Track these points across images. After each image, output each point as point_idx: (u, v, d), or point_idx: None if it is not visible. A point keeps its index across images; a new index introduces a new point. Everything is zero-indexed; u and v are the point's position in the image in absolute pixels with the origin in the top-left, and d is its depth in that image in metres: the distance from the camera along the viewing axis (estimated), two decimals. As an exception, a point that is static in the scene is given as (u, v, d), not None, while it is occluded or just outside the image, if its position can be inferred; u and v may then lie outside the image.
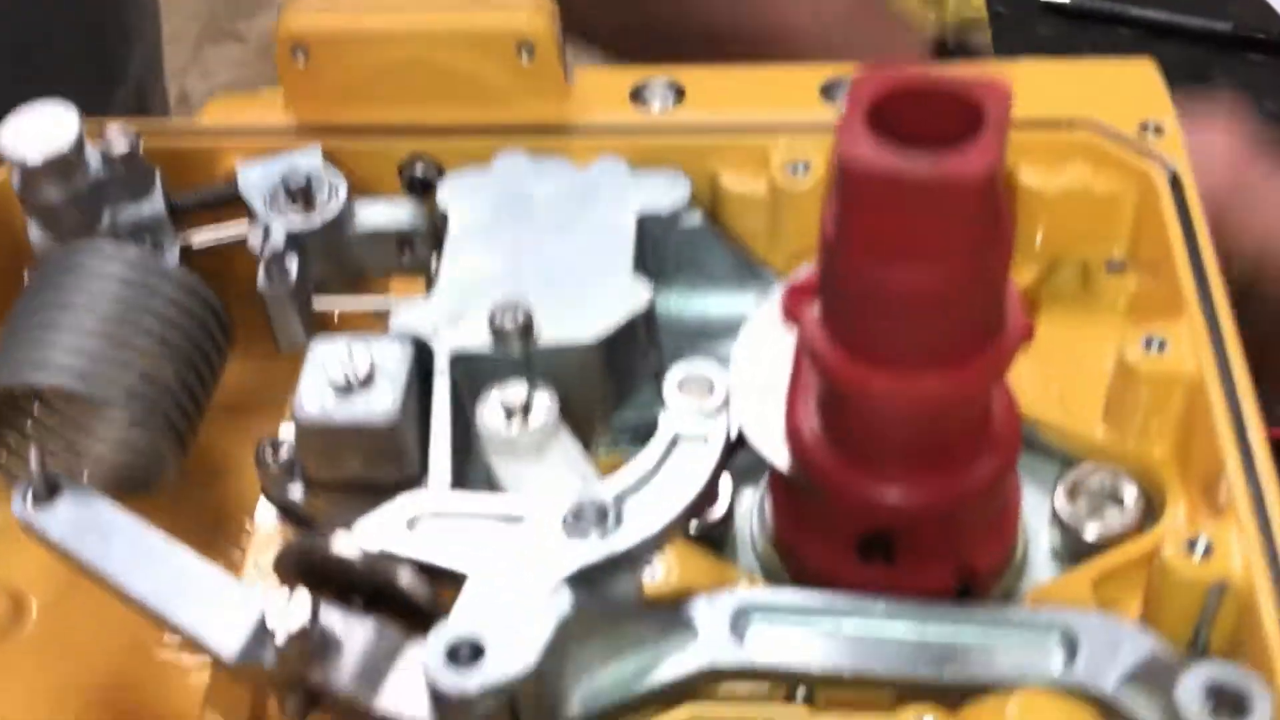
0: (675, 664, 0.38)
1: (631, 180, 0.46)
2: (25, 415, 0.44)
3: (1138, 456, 0.44)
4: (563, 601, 0.36)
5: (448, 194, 0.47)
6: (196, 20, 1.95)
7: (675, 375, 0.40)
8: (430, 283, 0.47)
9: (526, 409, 0.41)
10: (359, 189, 0.49)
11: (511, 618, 0.36)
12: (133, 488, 0.42)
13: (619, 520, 0.38)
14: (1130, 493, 0.43)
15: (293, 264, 0.46)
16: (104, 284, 0.43)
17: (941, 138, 0.33)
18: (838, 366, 0.36)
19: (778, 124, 0.49)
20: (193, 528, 0.41)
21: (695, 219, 0.46)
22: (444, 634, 0.35)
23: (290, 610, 0.36)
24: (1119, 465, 0.44)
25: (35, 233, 0.47)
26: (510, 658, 0.35)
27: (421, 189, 0.50)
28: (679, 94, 0.50)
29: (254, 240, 0.46)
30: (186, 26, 1.92)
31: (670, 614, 0.38)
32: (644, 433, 0.42)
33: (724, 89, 0.51)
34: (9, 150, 0.45)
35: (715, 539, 0.44)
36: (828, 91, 0.50)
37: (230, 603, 0.38)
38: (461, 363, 0.42)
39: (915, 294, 0.34)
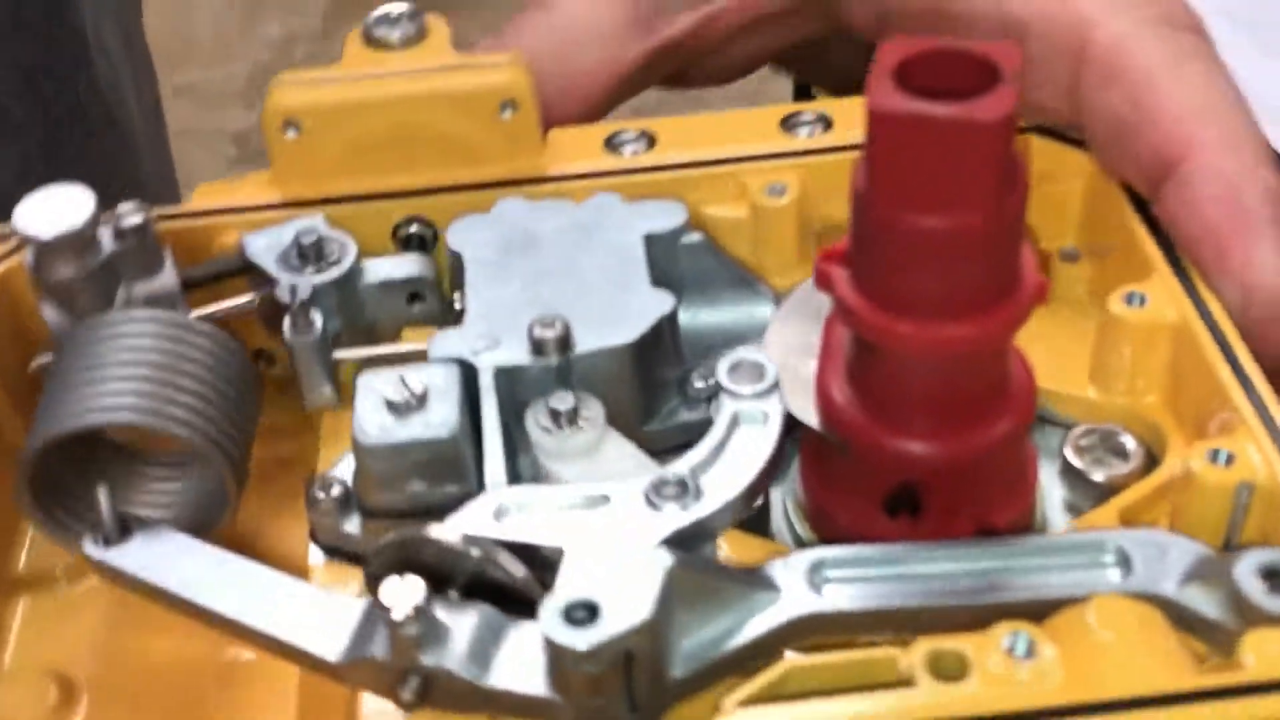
0: (763, 620, 0.39)
1: (629, 208, 0.49)
2: (82, 468, 0.44)
3: (1132, 410, 0.47)
4: (664, 560, 0.38)
5: (457, 237, 0.49)
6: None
7: (726, 362, 0.43)
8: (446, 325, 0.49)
9: (574, 413, 0.43)
10: (360, 252, 0.50)
11: (618, 579, 0.37)
12: (194, 531, 0.43)
13: (698, 493, 0.40)
14: (1130, 443, 0.47)
15: (317, 316, 0.47)
16: (142, 340, 0.44)
17: (960, 94, 0.37)
18: (865, 316, 0.39)
19: (747, 155, 0.53)
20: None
21: (696, 237, 0.49)
22: (557, 599, 0.36)
23: (405, 592, 0.36)
24: (1116, 422, 0.47)
25: (50, 313, 0.48)
26: (625, 613, 0.36)
27: (419, 248, 0.52)
28: (650, 141, 0.54)
29: (282, 294, 0.47)
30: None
31: (752, 574, 0.40)
32: (667, 441, 0.45)
33: (692, 132, 0.54)
34: (24, 228, 0.46)
35: (754, 527, 0.46)
36: (786, 123, 0.54)
37: (324, 608, 0.39)
38: (504, 377, 0.44)
39: (937, 240, 0.38)
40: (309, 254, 0.49)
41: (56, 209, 0.46)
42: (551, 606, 0.36)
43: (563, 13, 0.59)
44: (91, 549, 0.41)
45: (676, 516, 0.39)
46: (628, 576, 0.37)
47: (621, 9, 0.59)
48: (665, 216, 0.49)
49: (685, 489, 0.40)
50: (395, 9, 0.54)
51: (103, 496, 0.41)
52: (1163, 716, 0.35)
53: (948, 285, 0.39)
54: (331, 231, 0.50)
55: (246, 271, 0.50)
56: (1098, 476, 0.46)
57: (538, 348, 0.44)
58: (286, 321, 0.47)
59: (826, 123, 0.54)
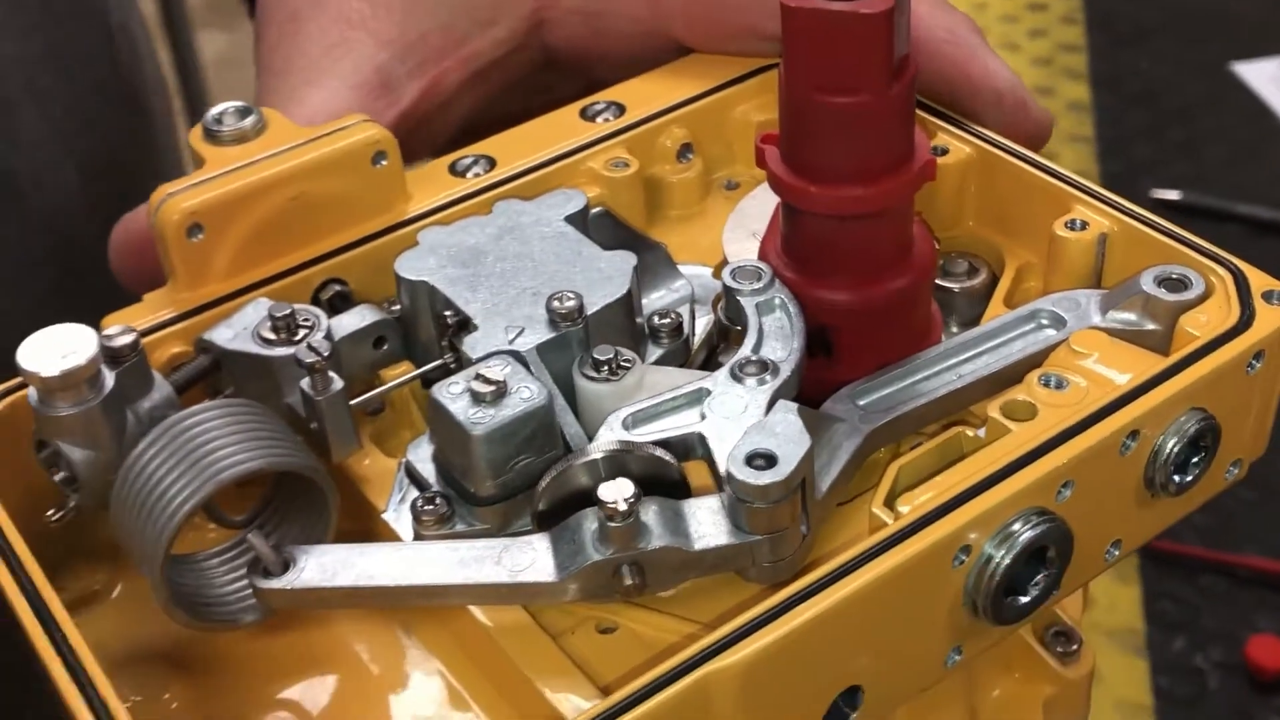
0: (849, 441, 0.48)
1: (535, 204, 0.56)
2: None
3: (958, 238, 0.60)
4: (790, 407, 0.46)
5: (410, 270, 0.53)
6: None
7: (728, 269, 0.51)
8: (414, 359, 0.54)
9: (615, 358, 0.50)
10: (301, 320, 0.54)
11: (768, 431, 0.45)
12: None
13: (770, 365, 0.48)
14: (968, 262, 0.60)
15: (334, 374, 0.50)
16: (207, 423, 0.46)
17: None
18: (787, 182, 0.50)
19: (577, 147, 0.61)
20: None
21: (599, 210, 0.57)
22: (735, 457, 0.44)
23: (619, 489, 0.43)
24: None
25: (76, 452, 0.48)
26: (792, 449, 0.44)
27: (345, 304, 0.56)
28: (489, 161, 0.61)
29: (304, 356, 0.50)
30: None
31: (821, 413, 0.49)
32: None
33: (518, 143, 0.61)
34: (30, 367, 0.47)
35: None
36: (585, 114, 0.63)
37: (509, 550, 0.45)
38: (543, 352, 0.50)
39: (839, 115, 0.48)
40: (282, 326, 0.52)
41: (60, 348, 0.47)
42: (736, 463, 0.44)
43: (310, 107, 0.64)
44: (267, 583, 0.45)
45: (767, 384, 0.48)
46: (773, 426, 0.45)
47: (357, 97, 0.64)
48: (570, 201, 0.56)
49: (763, 365, 0.48)
50: (227, 106, 0.57)
51: (256, 539, 0.45)
52: (1174, 380, 0.48)
53: (850, 155, 0.50)
54: (293, 304, 0.53)
55: (218, 366, 0.52)
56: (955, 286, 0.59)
57: (563, 319, 0.50)
58: (305, 383, 0.50)
59: (619, 107, 0.63)
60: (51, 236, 0.81)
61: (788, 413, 0.46)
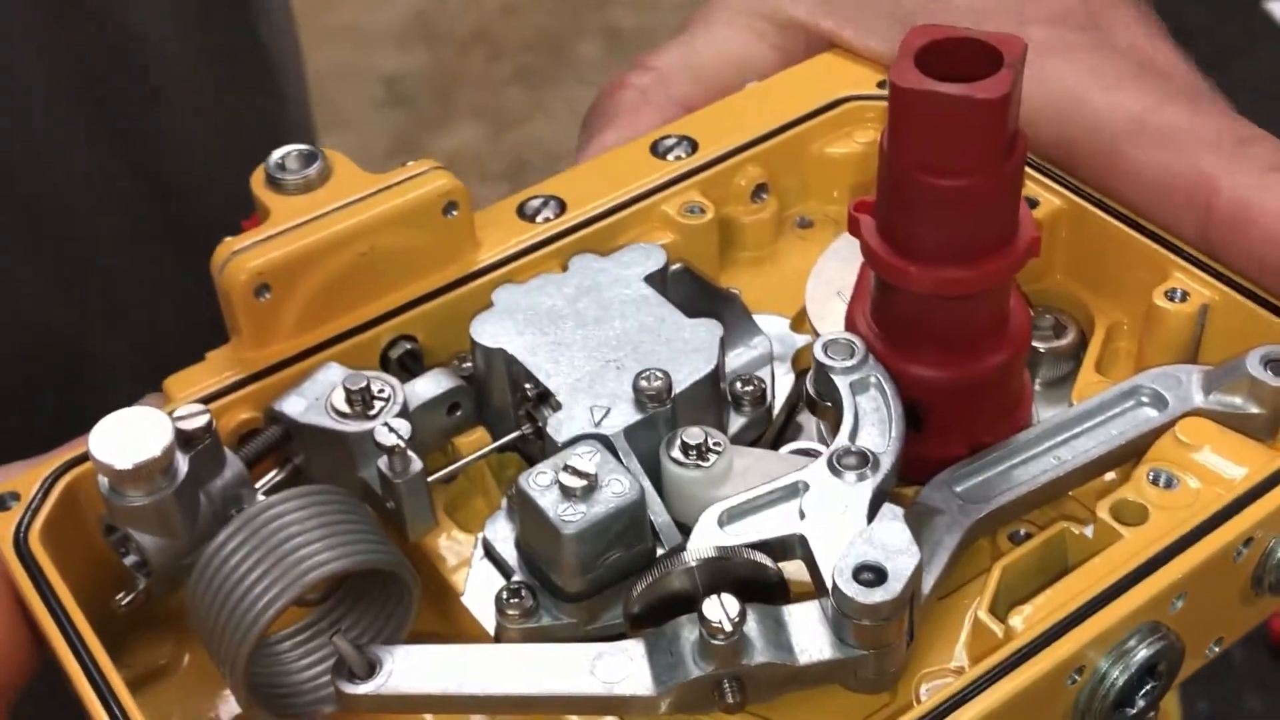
0: (950, 535, 0.47)
1: (611, 261, 0.54)
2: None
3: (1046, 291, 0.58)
4: (897, 511, 0.44)
5: (487, 336, 0.51)
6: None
7: (820, 343, 0.49)
8: (487, 422, 0.52)
9: (705, 443, 0.48)
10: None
11: (875, 539, 0.43)
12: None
13: (870, 458, 0.46)
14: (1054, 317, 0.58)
15: (413, 454, 0.48)
16: (290, 516, 0.45)
17: (970, 76, 0.45)
18: (884, 259, 0.48)
19: (650, 189, 0.58)
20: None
21: (678, 267, 0.55)
22: (842, 569, 0.42)
23: (726, 605, 0.42)
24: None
25: (147, 539, 0.46)
26: (902, 563, 0.42)
27: (414, 362, 0.54)
28: (560, 204, 0.58)
29: (384, 438, 0.48)
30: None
31: (919, 505, 0.47)
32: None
33: (587, 183, 0.59)
34: (104, 458, 0.45)
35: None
36: (655, 150, 0.60)
37: (606, 658, 0.44)
38: (630, 434, 0.48)
39: (945, 197, 0.46)
40: (357, 399, 0.50)
41: (132, 434, 0.45)
42: (843, 577, 0.42)
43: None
44: (352, 687, 0.43)
45: (867, 480, 0.46)
46: (881, 537, 0.43)
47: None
48: (649, 258, 0.54)
49: (863, 457, 0.46)
50: (291, 152, 0.55)
51: (340, 641, 0.43)
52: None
53: (955, 235, 0.47)
54: (366, 372, 0.51)
55: (289, 437, 0.50)
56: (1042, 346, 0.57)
57: (651, 400, 0.48)
58: (383, 463, 0.48)
59: (691, 142, 0.60)
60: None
61: (895, 519, 0.44)
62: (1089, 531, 0.47)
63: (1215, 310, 0.53)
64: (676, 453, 0.48)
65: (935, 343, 0.50)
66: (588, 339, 0.51)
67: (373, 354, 0.54)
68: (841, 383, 0.49)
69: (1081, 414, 0.51)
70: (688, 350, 0.50)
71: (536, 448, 0.51)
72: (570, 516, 0.45)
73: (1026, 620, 0.43)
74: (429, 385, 0.52)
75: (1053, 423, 0.50)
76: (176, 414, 0.47)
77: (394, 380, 0.51)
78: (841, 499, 0.46)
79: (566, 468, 0.46)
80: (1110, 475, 0.50)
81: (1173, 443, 0.48)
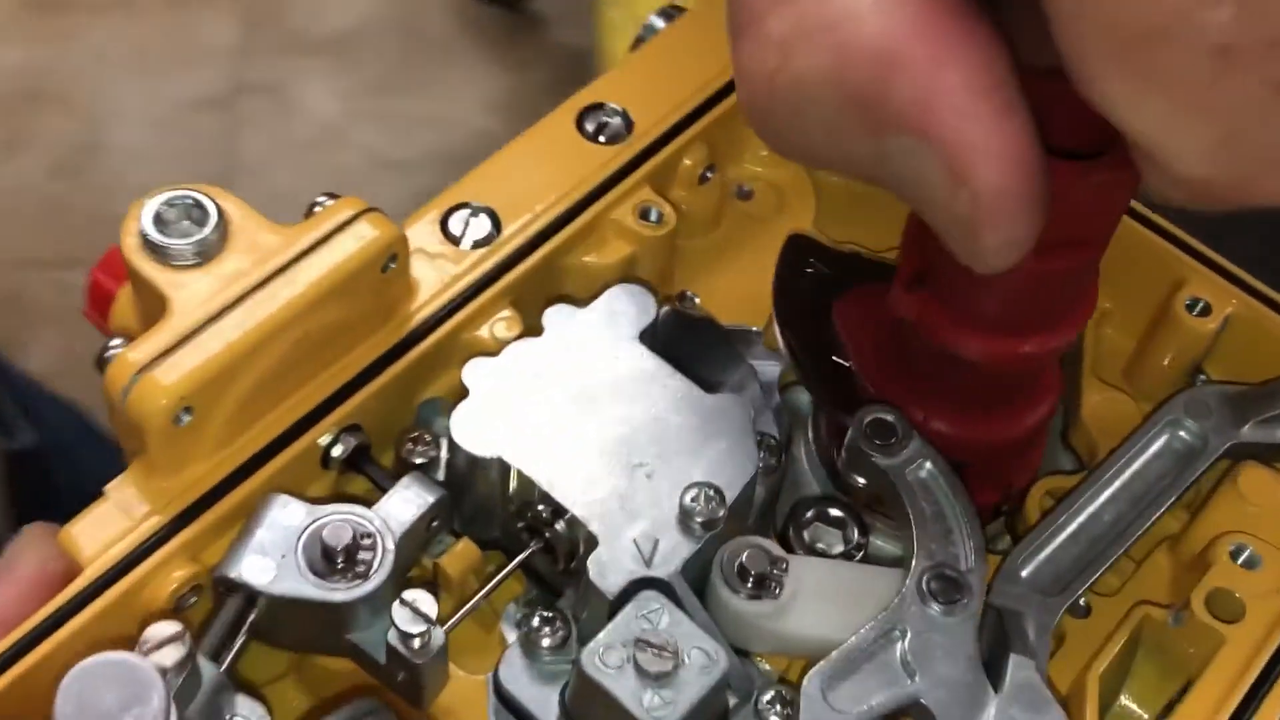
0: (1043, 645, 0.43)
1: (597, 316, 0.45)
2: None
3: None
4: (1030, 668, 0.40)
5: (475, 440, 0.42)
6: None
7: (858, 429, 0.43)
8: (476, 537, 0.44)
9: (768, 573, 0.41)
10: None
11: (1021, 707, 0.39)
12: None
13: (967, 585, 0.41)
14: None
15: (436, 629, 0.39)
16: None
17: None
18: (948, 332, 0.41)
19: (592, 192, 0.49)
20: None
21: (665, 311, 0.46)
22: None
23: None
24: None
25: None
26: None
27: (362, 458, 0.44)
28: (491, 217, 0.48)
29: (406, 625, 0.38)
30: None
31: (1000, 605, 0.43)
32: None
33: (507, 176, 0.48)
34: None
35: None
36: (583, 126, 0.50)
37: None
38: (685, 573, 0.41)
39: (1055, 272, 0.40)
40: (338, 556, 0.40)
41: (115, 693, 0.34)
42: None
43: None
44: None
45: (967, 610, 0.41)
46: (1023, 700, 0.39)
47: None
48: (638, 308, 0.45)
49: (952, 584, 0.41)
50: (171, 202, 0.42)
51: None
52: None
53: (1044, 306, 0.41)
54: (339, 514, 0.40)
55: (251, 603, 0.40)
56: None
57: (703, 525, 0.41)
58: (396, 639, 0.39)
59: (624, 118, 0.50)
60: None
61: (1029, 674, 0.39)
62: (1177, 621, 0.44)
63: (1233, 323, 0.49)
64: (737, 583, 0.41)
65: (980, 403, 0.44)
66: (599, 435, 0.42)
67: (313, 460, 0.43)
68: (893, 472, 0.43)
69: (1123, 464, 0.47)
70: (721, 442, 0.43)
71: (544, 563, 0.43)
72: (660, 712, 0.38)
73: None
74: (406, 505, 0.42)
75: (1103, 481, 0.46)
76: (147, 642, 0.36)
77: (370, 516, 0.41)
78: (943, 639, 0.40)
79: (641, 643, 0.38)
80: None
81: (1237, 501, 0.45)
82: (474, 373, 0.43)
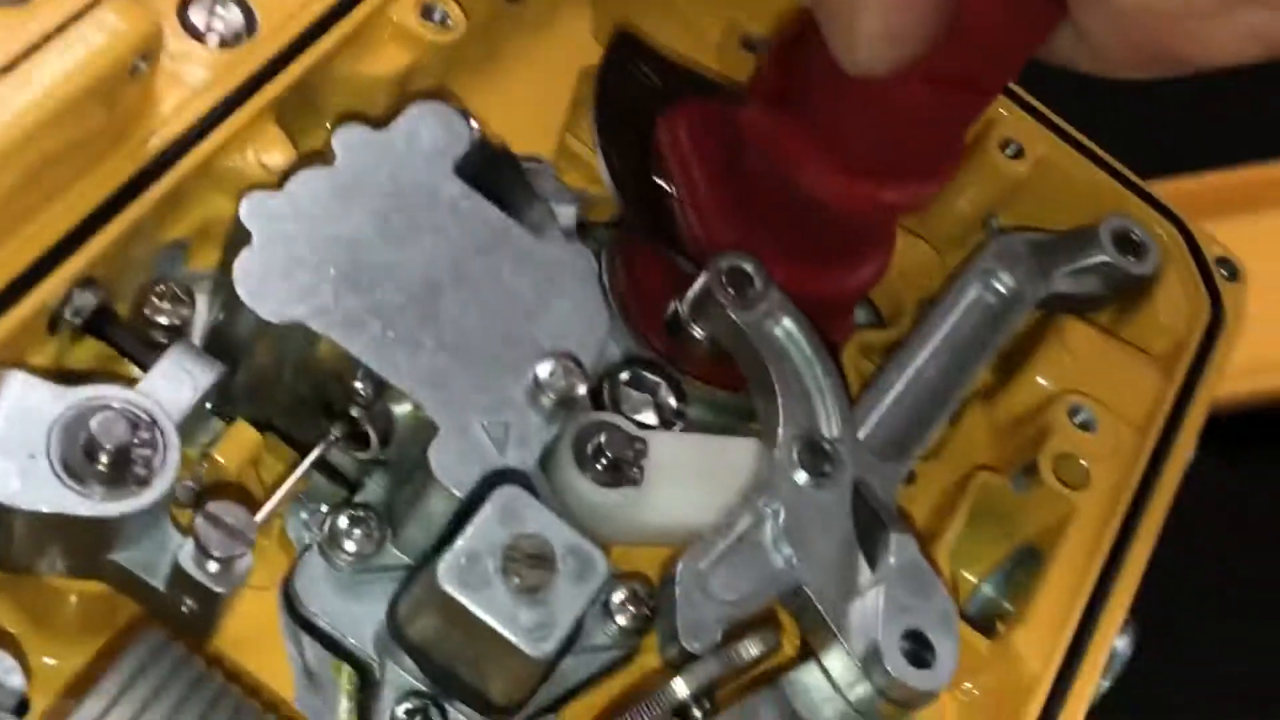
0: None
1: (399, 138, 0.36)
2: None
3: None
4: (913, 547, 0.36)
5: (271, 305, 0.33)
6: None
7: (714, 273, 0.38)
8: (256, 419, 0.35)
9: (626, 454, 0.36)
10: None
11: (911, 594, 0.35)
12: None
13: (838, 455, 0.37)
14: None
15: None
16: None
17: None
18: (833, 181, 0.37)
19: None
20: None
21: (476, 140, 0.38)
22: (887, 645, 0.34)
23: None
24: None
25: None
26: (948, 646, 0.35)
27: (106, 323, 0.34)
28: (242, 6, 0.37)
29: (216, 545, 0.29)
30: None
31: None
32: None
33: None
34: None
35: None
36: None
37: None
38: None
39: (959, 110, 0.36)
40: (106, 456, 0.30)
41: None
42: (892, 655, 0.34)
43: None
44: None
45: (840, 482, 0.37)
46: (911, 585, 0.35)
47: None
48: (449, 132, 0.37)
49: (819, 452, 0.37)
50: None
51: None
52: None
53: (934, 150, 0.37)
54: (117, 404, 0.30)
55: None
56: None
57: (559, 402, 0.34)
58: (189, 560, 0.30)
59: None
60: None
61: (913, 553, 0.35)
62: (1014, 486, 0.41)
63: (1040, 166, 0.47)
64: (594, 469, 0.35)
65: (819, 252, 0.40)
66: (420, 290, 0.34)
67: (39, 324, 0.33)
68: (751, 330, 0.37)
69: (939, 317, 0.43)
70: (564, 299, 0.36)
71: (349, 461, 0.35)
72: (541, 634, 0.31)
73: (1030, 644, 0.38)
74: (179, 385, 0.32)
75: (922, 336, 0.43)
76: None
77: (150, 404, 0.31)
78: (817, 516, 0.36)
79: (511, 552, 0.32)
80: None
81: (1064, 357, 0.43)
82: (254, 212, 0.34)
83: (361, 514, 0.34)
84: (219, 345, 0.34)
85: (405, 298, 0.34)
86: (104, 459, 0.30)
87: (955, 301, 0.44)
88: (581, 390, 0.34)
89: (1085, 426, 0.42)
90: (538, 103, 0.44)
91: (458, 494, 0.33)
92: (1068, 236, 0.45)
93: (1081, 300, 0.45)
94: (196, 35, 0.37)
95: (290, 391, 0.35)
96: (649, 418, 0.41)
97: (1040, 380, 0.43)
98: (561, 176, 0.43)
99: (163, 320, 0.35)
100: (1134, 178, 0.47)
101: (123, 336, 0.34)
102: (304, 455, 0.35)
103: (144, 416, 0.31)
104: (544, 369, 0.34)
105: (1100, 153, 0.47)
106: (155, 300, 0.35)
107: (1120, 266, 0.45)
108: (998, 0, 0.32)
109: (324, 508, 0.35)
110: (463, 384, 0.34)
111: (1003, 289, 0.44)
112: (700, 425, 0.41)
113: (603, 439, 0.35)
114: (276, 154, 0.36)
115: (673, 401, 0.41)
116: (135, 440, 0.30)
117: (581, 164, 0.44)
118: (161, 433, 0.31)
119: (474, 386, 0.34)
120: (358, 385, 0.33)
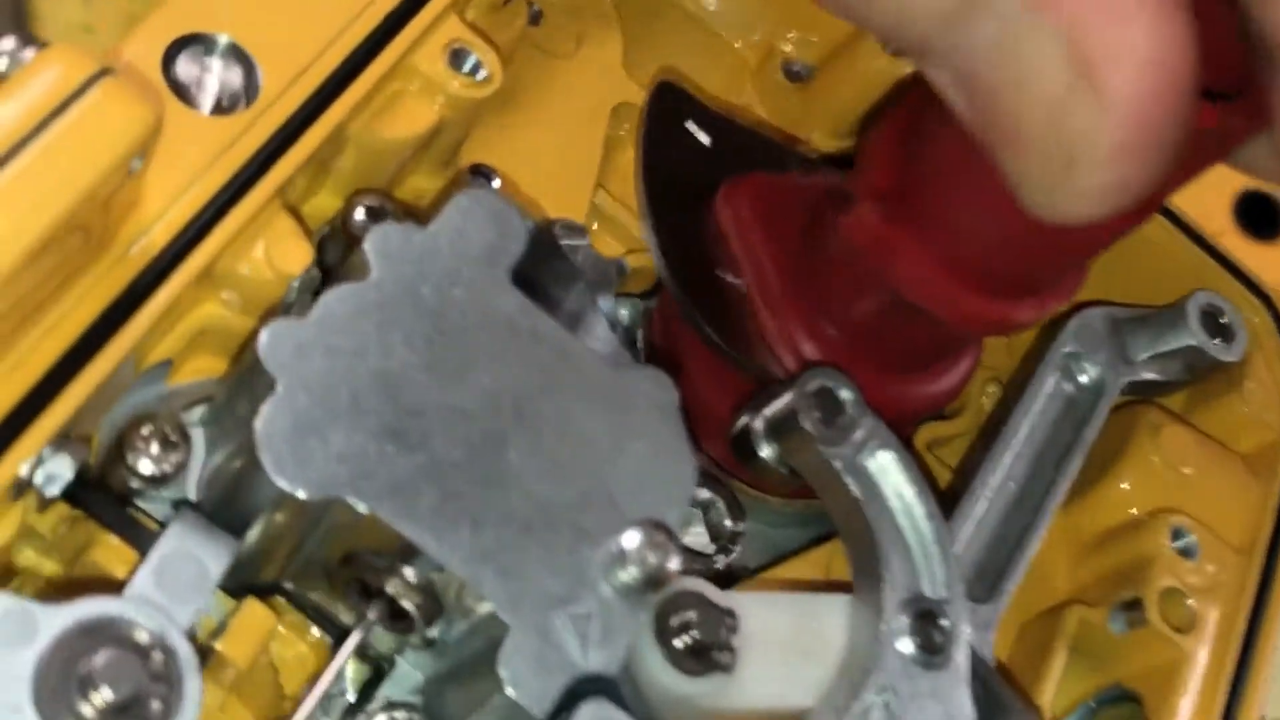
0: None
1: (446, 240, 0.29)
2: None
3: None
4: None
5: (308, 475, 0.26)
6: None
7: (798, 399, 0.32)
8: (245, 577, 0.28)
9: (717, 639, 0.30)
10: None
11: None
12: None
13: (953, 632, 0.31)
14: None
15: None
16: None
17: None
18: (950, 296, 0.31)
19: (383, 26, 0.32)
20: None
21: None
22: None
23: None
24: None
25: None
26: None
27: (82, 491, 0.27)
28: (244, 61, 0.30)
29: None
30: None
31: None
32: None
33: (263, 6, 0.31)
34: None
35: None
36: None
37: None
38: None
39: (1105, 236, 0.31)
40: (109, 711, 0.23)
41: None
42: None
43: None
44: None
45: (955, 661, 0.31)
46: None
47: None
48: (500, 229, 0.30)
49: (932, 621, 0.31)
50: None
51: None
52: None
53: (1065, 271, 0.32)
54: (119, 632, 0.24)
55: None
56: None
57: (648, 583, 0.28)
58: None
59: None
60: None
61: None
62: (1113, 626, 0.37)
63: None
64: (674, 652, 0.29)
65: (907, 361, 0.35)
66: (486, 447, 0.28)
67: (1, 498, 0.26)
68: (844, 466, 0.32)
69: (1022, 412, 0.38)
70: (639, 442, 0.29)
71: (386, 642, 0.29)
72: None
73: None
74: (189, 583, 0.26)
75: (1005, 439, 0.37)
76: None
77: (160, 625, 0.24)
78: (929, 699, 0.31)
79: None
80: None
81: (1151, 458, 0.39)
82: (278, 348, 0.27)
83: (405, 714, 0.28)
84: (221, 499, 0.28)
85: (463, 453, 0.28)
86: (96, 706, 0.23)
87: (1034, 393, 0.38)
88: (674, 565, 0.28)
89: (1186, 553, 0.37)
90: (565, 152, 0.37)
91: (537, 716, 0.26)
92: (1153, 315, 0.40)
93: (1157, 387, 0.40)
94: (186, 98, 0.29)
95: (313, 561, 0.28)
96: (699, 536, 0.35)
97: (1124, 486, 0.38)
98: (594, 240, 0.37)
99: (151, 471, 0.28)
100: (1213, 241, 0.42)
101: (106, 508, 0.27)
102: (319, 621, 0.29)
103: (156, 651, 0.24)
104: (630, 541, 0.28)
105: (1177, 211, 0.42)
106: (140, 444, 0.28)
107: (1208, 352, 0.40)
108: (1210, 123, 0.26)
109: (348, 694, 0.29)
110: (536, 567, 0.27)
111: (1085, 378, 0.39)
112: (755, 537, 0.36)
113: (690, 617, 0.29)
114: (296, 254, 0.29)
115: (728, 523, 0.35)
116: (150, 689, 0.24)
117: (611, 221, 0.38)
118: (177, 669, 0.24)
119: (548, 569, 0.27)
120: (408, 572, 0.27)
